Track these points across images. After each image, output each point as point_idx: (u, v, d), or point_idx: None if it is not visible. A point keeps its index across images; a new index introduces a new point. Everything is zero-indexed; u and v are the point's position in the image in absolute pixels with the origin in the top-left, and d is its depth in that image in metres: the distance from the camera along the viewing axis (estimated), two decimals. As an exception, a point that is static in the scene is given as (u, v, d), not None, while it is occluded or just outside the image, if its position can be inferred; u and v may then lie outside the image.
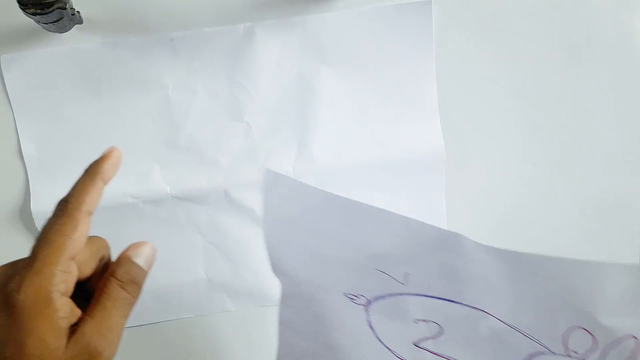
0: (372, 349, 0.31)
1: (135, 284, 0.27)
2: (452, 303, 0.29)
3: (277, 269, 0.32)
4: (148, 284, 0.41)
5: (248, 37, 0.38)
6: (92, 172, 0.27)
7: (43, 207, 0.38)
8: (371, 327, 0.31)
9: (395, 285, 0.30)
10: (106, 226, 0.38)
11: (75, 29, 0.38)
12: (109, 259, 0.29)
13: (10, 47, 0.38)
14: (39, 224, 0.38)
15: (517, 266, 0.27)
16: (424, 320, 0.30)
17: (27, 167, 0.38)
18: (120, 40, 0.38)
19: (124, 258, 0.28)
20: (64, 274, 0.25)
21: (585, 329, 0.27)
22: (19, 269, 0.24)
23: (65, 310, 0.24)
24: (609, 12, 0.41)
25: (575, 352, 0.28)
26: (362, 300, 0.31)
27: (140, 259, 0.28)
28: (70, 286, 0.25)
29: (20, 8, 0.33)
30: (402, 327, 0.30)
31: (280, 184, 0.31)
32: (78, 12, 0.37)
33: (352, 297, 0.31)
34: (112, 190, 0.38)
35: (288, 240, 0.32)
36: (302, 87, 0.39)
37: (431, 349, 0.31)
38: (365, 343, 0.31)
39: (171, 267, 0.40)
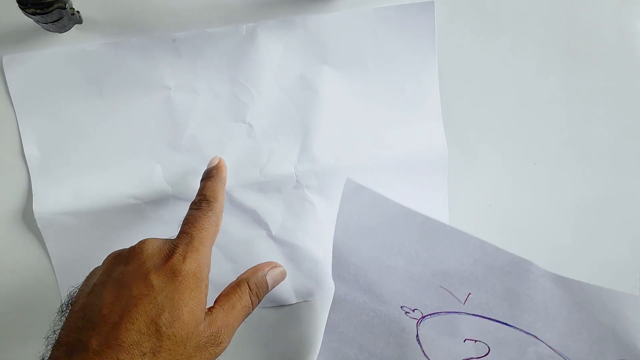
0: None
1: (257, 298, 0.30)
2: (505, 326, 0.31)
3: (336, 274, 0.34)
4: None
5: (250, 37, 0.38)
6: (221, 179, 0.33)
7: (45, 208, 0.37)
8: (418, 341, 0.32)
9: (454, 303, 0.31)
10: (108, 227, 0.38)
11: (75, 29, 0.38)
12: None
13: (10, 48, 0.37)
14: (41, 225, 0.38)
15: (578, 295, 0.29)
16: (474, 340, 0.31)
17: (29, 167, 0.38)
18: (122, 41, 0.37)
19: (260, 270, 0.31)
20: (210, 258, 0.29)
21: None
22: (177, 245, 0.27)
23: (208, 288, 0.28)
24: (609, 12, 0.41)
25: None
26: (417, 315, 0.32)
27: (270, 279, 0.32)
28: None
29: (20, 8, 0.33)
30: (450, 344, 0.31)
31: (361, 195, 0.34)
32: (78, 12, 0.37)
33: (407, 311, 0.32)
34: (113, 191, 0.38)
35: (356, 249, 0.33)
36: (304, 87, 0.39)
37: None
38: (410, 356, 0.32)
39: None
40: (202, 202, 0.30)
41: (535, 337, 0.30)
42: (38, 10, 0.33)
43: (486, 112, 0.41)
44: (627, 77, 0.42)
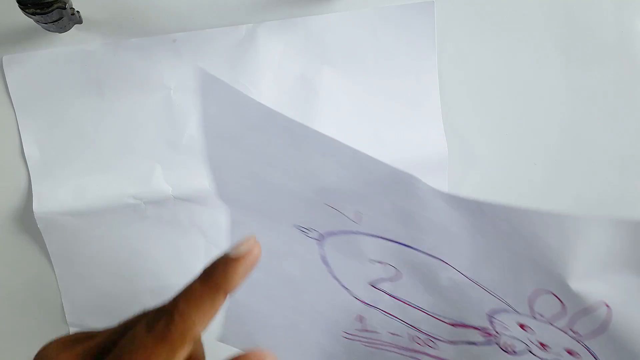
0: (326, 285, 0.29)
1: None
2: (408, 248, 0.26)
3: (222, 194, 0.28)
4: (149, 285, 0.41)
5: (250, 38, 0.38)
6: (217, 284, 0.18)
7: (45, 208, 0.37)
8: (325, 262, 0.29)
9: (347, 222, 0.26)
10: (107, 228, 0.38)
11: (75, 29, 0.38)
12: None
13: (10, 48, 0.37)
14: (41, 225, 0.37)
15: (478, 217, 0.23)
16: (379, 262, 0.27)
17: (29, 168, 0.38)
18: (122, 41, 0.37)
19: None
20: None
21: (553, 294, 0.23)
22: None
23: None
24: (609, 12, 0.41)
25: (541, 315, 0.25)
26: (315, 234, 0.28)
27: None
28: None
29: (20, 8, 0.33)
30: (358, 265, 0.27)
31: (218, 90, 0.25)
32: (78, 11, 0.37)
33: (303, 230, 0.28)
34: (114, 191, 0.38)
35: (231, 161, 0.26)
36: (304, 87, 0.39)
37: (388, 291, 0.28)
38: (319, 279, 0.29)
39: (173, 269, 0.40)
40: (163, 318, 0.18)
41: (444, 261, 0.26)
42: (38, 10, 0.33)
43: (486, 112, 0.41)
44: (627, 77, 0.41)
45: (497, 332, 0.28)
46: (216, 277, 0.18)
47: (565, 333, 0.25)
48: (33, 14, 0.33)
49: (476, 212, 0.23)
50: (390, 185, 0.24)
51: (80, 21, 0.38)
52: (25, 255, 0.39)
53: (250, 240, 0.19)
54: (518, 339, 0.27)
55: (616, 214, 0.22)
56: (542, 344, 0.27)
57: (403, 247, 0.26)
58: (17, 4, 0.33)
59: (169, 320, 0.17)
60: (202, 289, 0.18)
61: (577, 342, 0.25)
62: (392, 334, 0.30)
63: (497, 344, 0.28)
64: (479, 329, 0.28)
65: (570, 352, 0.26)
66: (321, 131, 0.29)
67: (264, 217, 0.28)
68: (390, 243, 0.27)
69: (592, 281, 0.22)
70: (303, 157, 0.25)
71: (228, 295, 0.18)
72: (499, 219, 0.23)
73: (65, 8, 0.34)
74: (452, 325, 0.28)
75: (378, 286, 0.29)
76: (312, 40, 0.38)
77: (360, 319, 0.30)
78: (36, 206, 0.37)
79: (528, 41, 0.41)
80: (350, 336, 0.32)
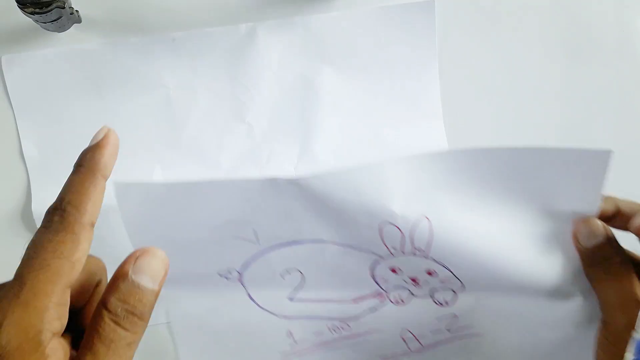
0: (258, 318, 0.33)
1: (134, 316, 0.20)
2: (297, 245, 0.30)
3: None
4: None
5: (250, 37, 0.38)
6: (90, 168, 0.21)
7: (44, 208, 0.37)
8: (251, 298, 0.32)
9: (252, 247, 0.30)
10: (107, 226, 0.38)
11: (74, 29, 0.38)
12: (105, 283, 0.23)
13: (9, 47, 0.37)
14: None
15: (319, 187, 0.28)
16: (287, 272, 0.31)
17: (28, 167, 0.38)
18: (121, 41, 0.37)
19: (119, 277, 0.20)
20: (59, 308, 0.19)
21: (389, 222, 0.28)
22: (0, 298, 0.18)
23: (58, 355, 0.19)
24: (609, 12, 0.41)
25: (394, 249, 0.29)
26: (235, 276, 0.32)
27: (143, 276, 0.20)
28: (64, 322, 0.19)
29: (19, 7, 0.33)
30: (274, 286, 0.32)
31: (131, 192, 0.29)
32: (77, 11, 0.37)
33: (225, 276, 0.32)
34: (112, 192, 0.38)
35: (152, 240, 0.29)
36: (304, 87, 0.38)
37: (304, 298, 0.32)
38: (252, 316, 0.33)
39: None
40: (55, 213, 0.20)
41: (322, 240, 0.30)
42: (37, 10, 0.33)
43: (487, 111, 0.41)
44: (627, 76, 0.41)
45: (385, 290, 0.31)
46: (87, 164, 0.21)
47: (414, 255, 0.29)
48: (32, 13, 0.33)
49: (313, 186, 0.28)
50: (263, 194, 0.28)
51: (79, 20, 0.38)
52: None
53: (104, 127, 0.23)
54: (401, 287, 0.31)
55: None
56: (413, 280, 0.30)
57: (294, 245, 0.30)
58: (16, 4, 0.33)
59: (60, 213, 0.20)
60: (80, 177, 0.21)
61: (427, 259, 0.29)
62: (315, 334, 0.34)
63: (390, 301, 0.32)
64: (373, 296, 0.32)
65: (429, 273, 0.30)
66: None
67: (194, 279, 0.32)
68: (285, 248, 0.30)
69: (411, 204, 0.27)
70: (204, 206, 0.29)
71: (105, 179, 0.22)
72: (324, 185, 0.27)
73: (64, 7, 0.34)
74: (354, 301, 0.32)
75: (295, 298, 0.32)
76: (312, 40, 0.38)
77: (289, 334, 0.34)
78: (35, 206, 0.37)
79: (528, 40, 0.41)
80: (287, 355, 0.35)
